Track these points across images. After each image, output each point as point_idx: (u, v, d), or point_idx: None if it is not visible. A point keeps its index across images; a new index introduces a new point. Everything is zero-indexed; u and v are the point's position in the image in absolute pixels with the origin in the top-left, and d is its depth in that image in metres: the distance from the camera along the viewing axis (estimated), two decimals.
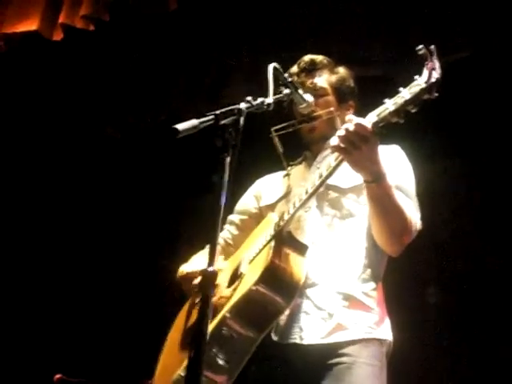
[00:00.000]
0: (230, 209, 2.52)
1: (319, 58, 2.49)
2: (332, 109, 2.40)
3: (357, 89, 2.52)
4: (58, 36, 3.61)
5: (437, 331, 4.25)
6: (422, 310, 4.35)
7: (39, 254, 4.89)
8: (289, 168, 2.51)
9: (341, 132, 1.99)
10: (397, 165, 2.31)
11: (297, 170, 2.49)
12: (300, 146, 2.53)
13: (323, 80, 2.45)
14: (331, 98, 2.45)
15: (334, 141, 2.00)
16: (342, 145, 1.98)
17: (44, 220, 4.95)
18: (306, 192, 2.16)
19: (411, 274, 4.16)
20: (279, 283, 2.12)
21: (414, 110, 1.90)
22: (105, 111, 4.74)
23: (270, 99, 2.08)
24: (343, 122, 2.09)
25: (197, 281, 2.24)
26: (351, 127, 1.96)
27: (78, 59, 4.36)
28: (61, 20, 3.54)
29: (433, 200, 2.96)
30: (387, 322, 2.29)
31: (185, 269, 2.38)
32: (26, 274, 4.85)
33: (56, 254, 4.92)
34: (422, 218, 2.28)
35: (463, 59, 3.90)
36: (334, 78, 2.47)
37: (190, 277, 2.31)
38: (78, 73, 4.48)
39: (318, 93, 2.42)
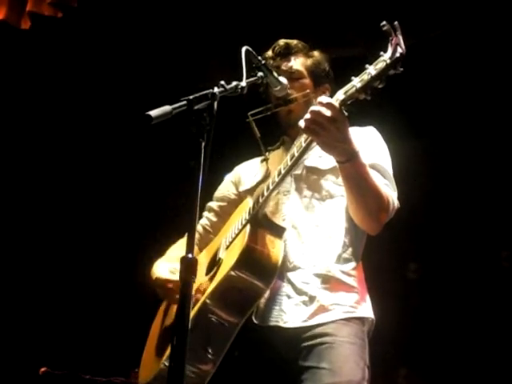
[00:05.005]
0: (207, 194, 2.51)
1: (294, 41, 2.47)
2: (308, 91, 2.39)
3: (332, 72, 2.51)
4: (25, 24, 3.57)
5: (417, 308, 4.30)
6: (402, 287, 4.39)
7: (22, 246, 4.85)
8: (267, 153, 2.50)
9: (307, 114, 1.98)
10: (372, 145, 2.31)
11: (275, 155, 2.48)
12: (278, 131, 2.51)
13: (299, 63, 2.44)
14: (307, 80, 2.43)
15: (302, 123, 2.00)
16: (309, 127, 1.97)
17: (24, 210, 4.90)
18: (279, 173, 2.16)
19: (390, 252, 4.19)
20: (257, 266, 2.12)
21: (380, 86, 1.90)
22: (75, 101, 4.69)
23: (243, 82, 2.06)
24: None
25: (170, 286, 2.23)
26: (317, 109, 1.96)
27: (47, 47, 4.30)
28: (28, 8, 3.51)
29: (410, 181, 2.97)
30: (368, 301, 2.30)
31: (158, 273, 2.35)
32: (11, 267, 4.80)
33: (39, 245, 4.88)
34: (399, 197, 2.27)
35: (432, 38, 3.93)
36: (309, 61, 2.45)
37: (162, 284, 2.30)
38: (49, 60, 4.42)
39: (293, 76, 2.40)
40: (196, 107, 1.80)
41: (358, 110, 2.00)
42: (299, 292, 2.21)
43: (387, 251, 4.00)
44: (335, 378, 2.09)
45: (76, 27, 4.12)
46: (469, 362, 4.11)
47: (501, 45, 3.93)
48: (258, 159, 2.56)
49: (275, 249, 2.16)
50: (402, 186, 2.31)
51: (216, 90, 1.89)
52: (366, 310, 2.27)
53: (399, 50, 1.86)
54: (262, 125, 2.40)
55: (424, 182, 4.24)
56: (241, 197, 2.49)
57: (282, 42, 2.47)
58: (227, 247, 2.28)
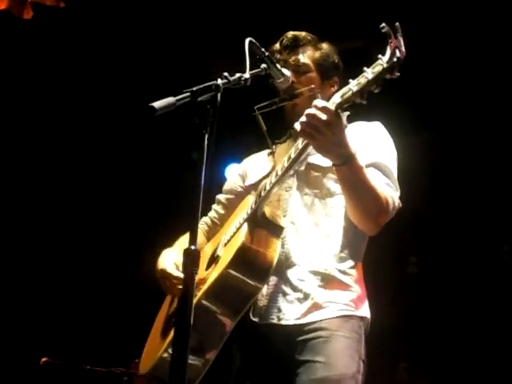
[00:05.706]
0: (213, 185, 2.49)
1: (302, 34, 2.43)
2: (313, 86, 2.35)
3: (341, 64, 2.47)
4: (28, 14, 3.57)
5: (417, 301, 4.31)
6: (402, 280, 4.40)
7: (23, 239, 4.85)
8: (274, 146, 2.48)
9: (303, 117, 1.96)
10: (376, 142, 2.28)
11: (282, 148, 2.46)
12: (285, 124, 2.50)
13: (306, 56, 2.40)
14: (314, 74, 2.39)
15: (297, 126, 1.97)
16: (305, 130, 1.95)
17: (30, 202, 4.91)
18: (276, 174, 2.15)
19: (391, 246, 4.19)
20: (251, 266, 2.12)
21: (376, 91, 1.87)
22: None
23: (246, 74, 2.04)
24: (326, 98, 2.05)
25: (175, 282, 2.25)
26: (313, 112, 1.93)
27: (50, 37, 4.30)
28: None
29: (412, 176, 2.96)
30: (365, 301, 2.28)
31: (164, 264, 2.36)
32: (13, 259, 4.80)
33: (40, 238, 4.88)
34: (402, 196, 2.24)
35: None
36: (317, 54, 2.41)
37: (166, 277, 2.32)
38: (52, 51, 4.42)
39: (300, 69, 2.37)
40: (199, 99, 1.80)
41: (363, 106, 1.98)
42: (294, 289, 2.20)
43: (388, 245, 4.00)
44: (330, 371, 2.09)
45: (79, 17, 4.11)
46: (469, 355, 4.12)
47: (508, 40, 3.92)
48: (265, 152, 2.55)
49: (271, 249, 2.15)
50: (403, 181, 2.29)
51: (219, 81, 1.88)
52: (363, 310, 2.25)
53: (397, 53, 1.81)
54: (273, 117, 2.38)
55: (425, 176, 4.23)
56: (247, 190, 2.47)
57: (289, 34, 2.43)
58: (225, 244, 2.28)
